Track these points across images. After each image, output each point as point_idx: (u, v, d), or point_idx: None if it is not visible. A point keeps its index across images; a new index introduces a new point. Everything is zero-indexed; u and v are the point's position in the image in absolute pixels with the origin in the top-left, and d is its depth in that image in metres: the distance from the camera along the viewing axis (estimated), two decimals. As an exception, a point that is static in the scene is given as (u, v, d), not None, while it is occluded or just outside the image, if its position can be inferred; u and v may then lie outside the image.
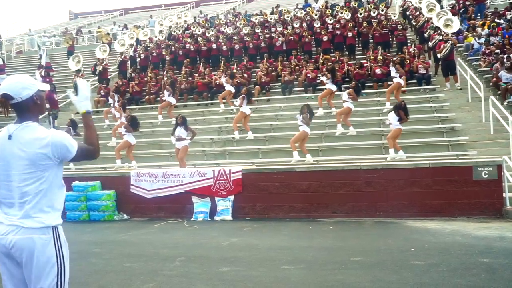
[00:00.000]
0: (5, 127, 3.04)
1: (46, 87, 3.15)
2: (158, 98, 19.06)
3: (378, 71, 17.39)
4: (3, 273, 2.97)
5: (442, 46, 16.37)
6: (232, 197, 11.12)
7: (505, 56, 16.20)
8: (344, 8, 25.99)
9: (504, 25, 20.02)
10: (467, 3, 24.69)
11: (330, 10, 25.71)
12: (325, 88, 15.83)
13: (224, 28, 26.17)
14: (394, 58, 16.22)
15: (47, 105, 17.52)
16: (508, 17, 21.53)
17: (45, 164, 2.91)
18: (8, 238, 2.86)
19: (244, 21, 26.94)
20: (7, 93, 2.93)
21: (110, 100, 17.73)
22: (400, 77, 15.17)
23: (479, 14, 23.61)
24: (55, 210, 2.99)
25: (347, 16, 23.39)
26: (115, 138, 15.85)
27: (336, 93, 15.87)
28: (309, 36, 21.56)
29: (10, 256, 2.90)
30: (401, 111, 12.05)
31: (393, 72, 15.31)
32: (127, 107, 18.33)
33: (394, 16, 24.54)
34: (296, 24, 23.39)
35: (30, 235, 2.86)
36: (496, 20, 21.02)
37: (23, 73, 3.51)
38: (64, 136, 3.00)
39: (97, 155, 3.18)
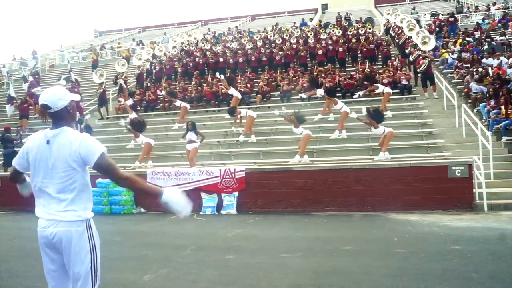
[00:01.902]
0: (41, 131, 3.10)
1: (77, 97, 3.24)
2: (172, 106, 19.09)
3: (366, 82, 17.40)
4: (45, 260, 3.05)
5: (421, 62, 16.44)
6: (236, 193, 11.13)
7: (475, 69, 16.31)
8: (336, 26, 26.12)
9: (473, 43, 20.24)
10: (442, 24, 24.97)
11: (324, 28, 25.77)
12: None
13: (230, 44, 26.20)
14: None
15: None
16: (476, 36, 21.78)
17: (77, 163, 2.96)
18: (49, 230, 2.95)
19: (247, 37, 26.96)
20: (46, 104, 3.00)
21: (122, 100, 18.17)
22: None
23: (452, 33, 23.87)
24: (87, 205, 3.06)
25: (339, 33, 23.48)
26: (133, 142, 15.86)
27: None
28: (304, 51, 21.61)
29: (51, 246, 2.98)
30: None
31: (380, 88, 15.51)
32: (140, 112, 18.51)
33: (379, 33, 24.57)
34: (293, 40, 23.45)
35: (68, 228, 2.94)
36: (466, 38, 21.19)
37: (54, 84, 3.57)
38: (93, 140, 3.00)
39: (117, 182, 3.05)
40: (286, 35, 24.78)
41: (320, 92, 15.33)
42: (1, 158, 15.58)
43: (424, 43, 16.89)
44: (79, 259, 2.96)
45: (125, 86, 19.78)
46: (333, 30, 24.30)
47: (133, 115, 16.56)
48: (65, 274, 3.04)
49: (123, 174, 3.00)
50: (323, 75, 18.40)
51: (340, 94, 17.29)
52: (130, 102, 17.92)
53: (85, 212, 3.03)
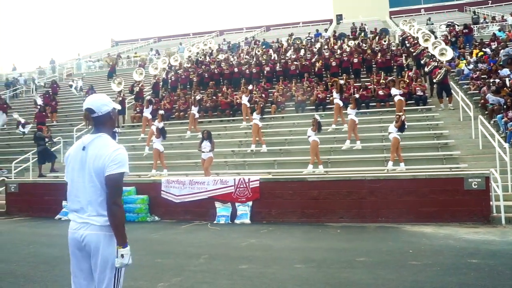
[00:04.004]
0: (81, 138, 3.23)
1: (118, 106, 3.39)
2: (187, 115, 19.21)
3: (380, 92, 17.33)
4: (73, 262, 3.13)
5: (437, 72, 16.34)
6: (250, 203, 11.15)
7: (491, 80, 16.17)
8: (351, 37, 26.09)
9: (489, 54, 20.05)
10: (458, 35, 24.81)
11: (338, 39, 25.76)
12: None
13: (245, 54, 26.30)
14: (389, 79, 16.47)
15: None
16: (493, 47, 21.55)
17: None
18: (79, 232, 3.06)
19: (262, 48, 27.05)
20: (90, 108, 3.13)
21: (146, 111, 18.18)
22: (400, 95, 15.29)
23: (467, 44, 23.63)
24: None
25: (353, 44, 23.46)
26: (148, 148, 16.07)
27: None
28: (319, 61, 21.60)
29: (81, 248, 3.07)
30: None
31: (394, 91, 15.34)
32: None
33: (394, 44, 24.51)
34: (308, 53, 23.48)
35: (98, 232, 3.04)
36: (482, 49, 21.00)
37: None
38: (125, 157, 3.11)
39: (109, 206, 3.05)
40: (302, 48, 24.81)
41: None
42: (35, 156, 16.14)
43: (442, 54, 16.89)
44: (108, 264, 3.04)
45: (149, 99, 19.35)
46: (348, 41, 24.30)
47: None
48: (90, 275, 3.12)
49: (120, 202, 3.11)
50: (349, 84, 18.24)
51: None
52: (149, 110, 18.00)
53: None
